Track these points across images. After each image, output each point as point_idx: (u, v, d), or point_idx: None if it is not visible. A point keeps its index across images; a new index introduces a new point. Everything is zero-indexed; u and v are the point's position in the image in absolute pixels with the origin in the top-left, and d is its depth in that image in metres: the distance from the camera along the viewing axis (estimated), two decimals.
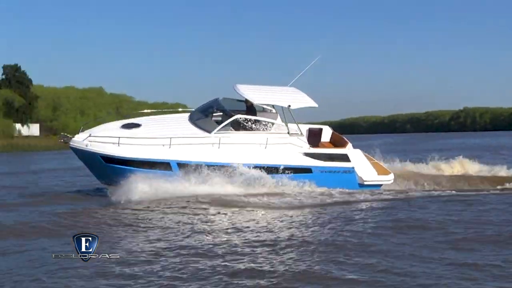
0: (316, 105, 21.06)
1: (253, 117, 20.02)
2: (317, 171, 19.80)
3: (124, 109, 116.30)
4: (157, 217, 15.43)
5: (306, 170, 19.72)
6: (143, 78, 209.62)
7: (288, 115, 20.59)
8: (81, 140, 18.93)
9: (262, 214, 16.10)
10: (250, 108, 20.63)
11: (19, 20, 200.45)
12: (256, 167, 19.03)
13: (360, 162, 20.36)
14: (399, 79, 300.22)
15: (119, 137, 18.68)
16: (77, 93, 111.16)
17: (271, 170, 19.23)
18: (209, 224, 14.60)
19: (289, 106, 20.25)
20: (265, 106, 21.19)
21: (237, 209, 16.75)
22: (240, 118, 19.73)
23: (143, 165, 18.51)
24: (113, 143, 18.68)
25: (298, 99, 21.01)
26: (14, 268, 10.35)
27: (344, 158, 20.23)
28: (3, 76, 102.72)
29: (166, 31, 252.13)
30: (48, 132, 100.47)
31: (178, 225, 14.25)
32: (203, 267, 10.17)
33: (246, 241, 12.34)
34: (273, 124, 20.12)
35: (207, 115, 20.58)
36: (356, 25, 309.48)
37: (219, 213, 16.18)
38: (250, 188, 18.56)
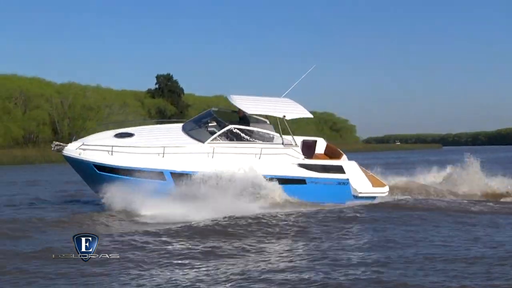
0: (311, 116, 21.52)
1: (247, 127, 20.22)
2: (311, 183, 19.79)
3: (271, 117, 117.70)
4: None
5: (300, 181, 19.75)
6: (290, 86, 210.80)
7: (283, 125, 20.73)
8: (74, 148, 19.04)
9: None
10: (243, 119, 20.85)
11: (172, 31, 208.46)
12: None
13: (355, 174, 20.31)
14: None
15: (112, 146, 18.81)
16: (226, 102, 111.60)
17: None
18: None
19: (284, 116, 20.39)
20: (259, 117, 21.40)
21: None
22: (234, 128, 19.89)
23: (136, 174, 18.62)
24: (106, 152, 18.82)
25: (293, 110, 21.15)
26: None
27: (339, 169, 20.19)
28: (156, 86, 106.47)
29: (321, 43, 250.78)
30: None
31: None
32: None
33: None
34: (267, 134, 20.29)
35: (201, 126, 20.68)
36: None
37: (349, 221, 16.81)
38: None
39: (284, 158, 19.85)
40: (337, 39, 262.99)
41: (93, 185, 19.59)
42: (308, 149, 21.15)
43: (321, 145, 22.36)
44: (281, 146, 19.95)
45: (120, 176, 18.55)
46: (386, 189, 20.64)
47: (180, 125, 20.96)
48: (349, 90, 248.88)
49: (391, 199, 20.81)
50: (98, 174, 18.79)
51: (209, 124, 20.58)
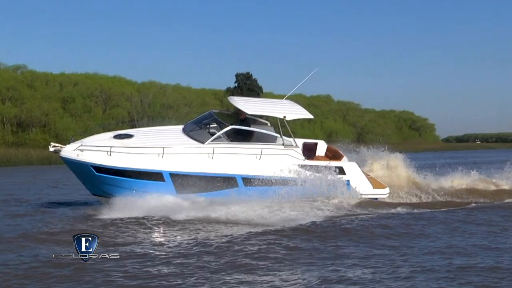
0: (312, 117, 21.43)
1: (247, 128, 20.07)
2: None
3: (351, 116, 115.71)
4: None
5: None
6: (371, 85, 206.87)
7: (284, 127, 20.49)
8: (71, 150, 18.70)
9: None
10: (244, 121, 20.67)
11: (252, 30, 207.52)
12: (249, 178, 19.03)
13: (356, 175, 20.12)
14: None
15: (110, 147, 18.52)
16: (305, 101, 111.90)
17: (266, 182, 19.15)
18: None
19: (284, 117, 20.14)
20: (259, 119, 21.23)
21: None
22: (234, 129, 19.74)
23: (135, 175, 18.42)
24: (105, 153, 18.52)
25: (294, 111, 21.12)
26: None
27: (340, 170, 19.95)
28: (236, 84, 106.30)
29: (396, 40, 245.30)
30: None
31: None
32: None
33: None
34: (267, 135, 20.06)
35: (201, 127, 20.58)
36: None
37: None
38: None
39: (284, 159, 19.60)
40: (417, 37, 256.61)
41: (92, 187, 19.46)
42: (309, 151, 21.09)
43: (322, 147, 22.10)
44: (282, 147, 19.73)
45: (119, 178, 18.46)
46: (386, 190, 20.47)
47: (180, 126, 20.82)
48: (429, 88, 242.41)
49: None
50: (96, 175, 18.62)
51: (210, 126, 20.49)
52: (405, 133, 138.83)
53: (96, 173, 18.48)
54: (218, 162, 18.89)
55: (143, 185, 18.28)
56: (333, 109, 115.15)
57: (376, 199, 20.18)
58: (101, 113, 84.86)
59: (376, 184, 20.55)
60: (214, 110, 21.68)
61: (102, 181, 18.61)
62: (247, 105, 20.61)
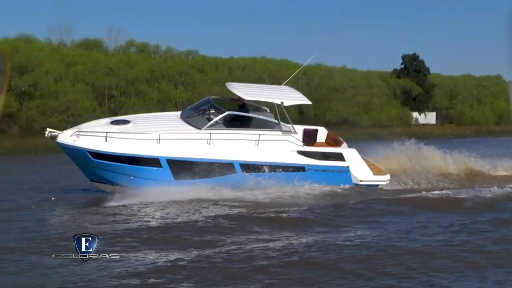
0: (310, 103, 20.94)
1: (244, 114, 19.47)
2: (311, 170, 18.97)
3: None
4: None
5: (300, 169, 18.94)
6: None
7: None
8: (68, 135, 18.25)
9: None
10: (243, 107, 19.95)
11: (416, 12, 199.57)
12: (247, 164, 18.50)
13: (355, 162, 19.48)
14: None
15: (107, 132, 18.07)
16: (474, 81, 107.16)
17: (263, 168, 18.66)
18: None
19: (282, 102, 19.47)
20: (258, 106, 20.63)
21: None
22: (232, 114, 19.12)
23: (132, 161, 17.98)
24: (101, 138, 18.06)
25: (291, 96, 20.45)
26: None
27: (339, 157, 19.37)
28: (402, 66, 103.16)
29: None
30: (444, 121, 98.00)
31: None
32: None
33: None
34: (265, 121, 19.41)
35: (199, 113, 19.97)
36: None
37: None
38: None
39: (283, 145, 19.02)
40: None
41: (89, 173, 19.01)
42: (309, 137, 20.51)
43: (322, 134, 21.48)
44: (280, 133, 19.09)
45: (115, 163, 18.02)
46: (387, 177, 19.78)
47: (178, 112, 20.29)
48: None
49: None
50: (93, 161, 18.21)
51: (206, 111, 19.81)
52: None
53: (92, 159, 18.10)
54: (215, 148, 18.41)
55: (140, 171, 17.93)
56: (504, 90, 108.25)
57: (377, 185, 19.51)
58: None
59: (376, 170, 19.95)
60: (212, 97, 21.22)
61: (99, 166, 18.24)
62: (244, 91, 20.04)
